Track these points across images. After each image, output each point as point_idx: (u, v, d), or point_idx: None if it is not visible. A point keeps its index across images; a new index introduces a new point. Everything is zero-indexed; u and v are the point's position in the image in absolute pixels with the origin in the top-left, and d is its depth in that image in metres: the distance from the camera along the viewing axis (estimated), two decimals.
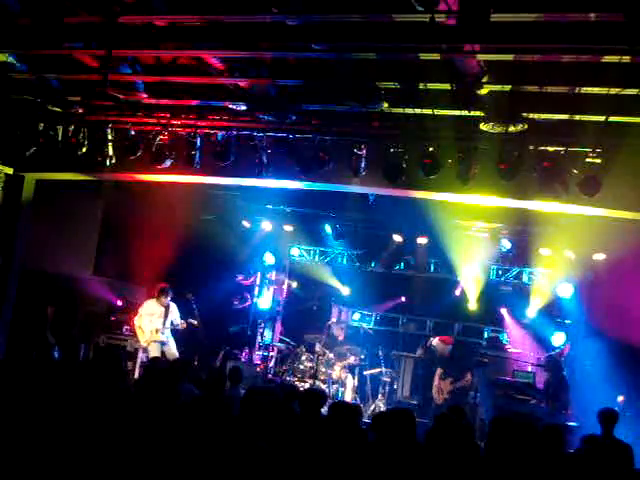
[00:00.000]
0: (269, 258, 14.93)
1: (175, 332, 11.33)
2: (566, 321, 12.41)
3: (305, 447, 4.92)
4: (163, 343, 10.95)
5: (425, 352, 12.76)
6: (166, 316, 11.03)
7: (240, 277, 14.66)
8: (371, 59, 6.99)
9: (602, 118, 7.32)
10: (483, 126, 7.70)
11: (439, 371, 11.58)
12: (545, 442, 5.62)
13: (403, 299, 14.26)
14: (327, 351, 12.23)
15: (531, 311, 12.85)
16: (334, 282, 14.68)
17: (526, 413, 8.94)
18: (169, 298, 11.01)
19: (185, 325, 11.19)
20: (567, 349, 11.34)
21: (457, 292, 13.50)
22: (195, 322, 11.49)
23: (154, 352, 10.71)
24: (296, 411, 6.51)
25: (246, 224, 14.01)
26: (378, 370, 12.43)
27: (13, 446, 4.46)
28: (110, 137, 9.20)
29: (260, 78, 7.79)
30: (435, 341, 11.91)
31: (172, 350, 11.05)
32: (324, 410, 6.36)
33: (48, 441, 4.54)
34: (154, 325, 10.92)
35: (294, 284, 14.98)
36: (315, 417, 5.92)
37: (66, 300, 11.15)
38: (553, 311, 12.60)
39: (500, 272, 13.58)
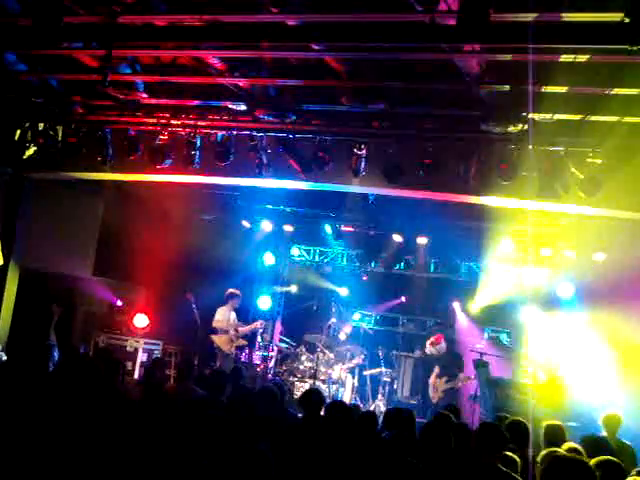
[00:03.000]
0: (269, 258, 14.93)
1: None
2: (566, 321, 12.39)
3: (305, 448, 4.93)
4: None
5: (425, 355, 12.79)
6: (235, 321, 11.57)
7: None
8: (371, 59, 7.00)
9: (603, 118, 7.33)
10: (483, 126, 7.69)
11: (436, 370, 11.61)
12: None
13: (403, 299, 14.26)
14: (327, 351, 12.23)
15: (530, 311, 12.84)
16: (334, 282, 14.70)
17: (526, 413, 8.92)
18: (238, 301, 11.50)
19: (262, 323, 11.77)
20: (562, 350, 11.32)
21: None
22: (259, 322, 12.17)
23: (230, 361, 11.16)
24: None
25: (246, 224, 14.01)
26: (378, 370, 12.44)
27: (12, 449, 4.46)
28: (110, 137, 9.20)
29: (260, 78, 7.79)
30: (428, 348, 11.94)
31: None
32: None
33: (48, 444, 4.54)
34: (232, 333, 11.37)
35: (293, 285, 14.98)
36: (315, 417, 5.92)
37: (66, 300, 11.15)
38: (552, 311, 12.58)
39: (500, 272, 13.57)
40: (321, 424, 5.60)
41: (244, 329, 11.82)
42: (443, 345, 11.81)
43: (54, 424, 4.80)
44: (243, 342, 11.83)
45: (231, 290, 11.69)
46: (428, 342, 12.02)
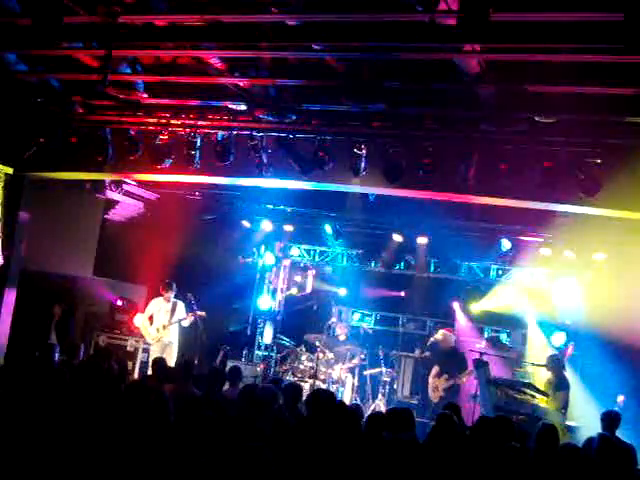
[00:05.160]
0: (269, 258, 14.93)
1: (181, 332, 11.28)
2: (566, 321, 12.40)
3: (305, 448, 4.93)
4: (168, 342, 10.98)
5: (429, 349, 12.79)
6: (172, 314, 11.11)
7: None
8: (371, 59, 7.00)
9: (602, 118, 7.32)
10: (482, 126, 7.69)
11: (434, 371, 11.60)
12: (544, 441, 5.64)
13: (403, 294, 14.26)
14: (327, 351, 12.23)
15: (531, 311, 12.86)
16: (333, 282, 14.72)
17: (526, 413, 8.93)
18: (173, 293, 11.13)
19: (192, 318, 11.21)
20: (571, 349, 11.33)
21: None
22: (202, 313, 11.41)
23: (157, 352, 10.73)
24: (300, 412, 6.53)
25: (246, 224, 14.02)
26: (378, 370, 12.43)
27: (13, 448, 4.47)
28: (110, 137, 9.20)
29: (260, 78, 7.80)
30: (440, 333, 11.92)
31: (173, 352, 11.06)
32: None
33: (48, 443, 4.54)
34: (160, 322, 10.99)
35: (294, 286, 14.98)
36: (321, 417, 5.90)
37: (66, 300, 11.14)
38: (553, 311, 12.59)
39: (500, 272, 13.60)
40: (329, 425, 5.58)
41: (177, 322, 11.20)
42: (454, 337, 11.84)
43: (56, 423, 4.80)
44: (160, 335, 10.98)
45: (166, 280, 11.26)
46: (442, 330, 12.04)
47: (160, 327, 10.99)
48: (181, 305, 11.27)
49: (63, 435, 4.63)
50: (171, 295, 11.14)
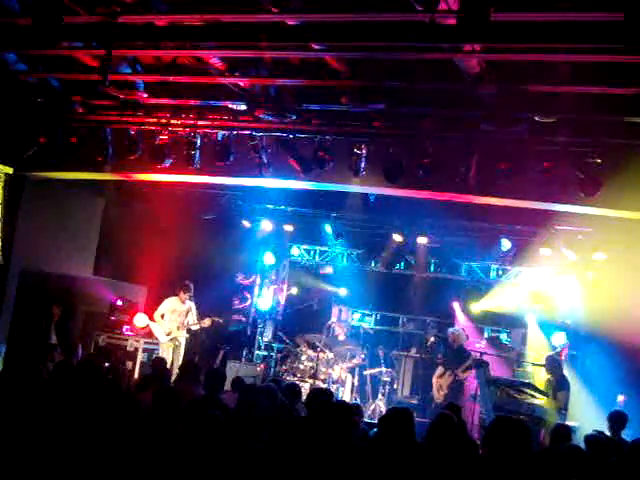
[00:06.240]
0: (269, 258, 14.93)
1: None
2: (566, 321, 12.40)
3: (303, 447, 4.92)
4: (178, 343, 10.99)
5: (428, 350, 12.78)
6: (186, 315, 11.14)
7: (240, 277, 14.66)
8: (371, 59, 7.00)
9: (602, 118, 7.33)
10: (482, 126, 7.69)
11: (439, 371, 11.59)
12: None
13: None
14: (327, 351, 12.23)
15: (531, 311, 12.86)
16: (334, 282, 14.72)
17: (526, 413, 8.93)
18: (190, 295, 11.12)
19: (209, 323, 11.21)
20: (566, 349, 11.33)
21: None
22: (221, 320, 11.50)
23: (166, 353, 10.75)
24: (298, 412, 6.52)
25: (246, 224, 14.02)
26: (378, 370, 12.44)
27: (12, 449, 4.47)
28: (110, 137, 9.20)
29: (260, 78, 7.80)
30: (452, 330, 11.89)
31: (180, 354, 11.08)
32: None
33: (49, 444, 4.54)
34: (175, 323, 10.98)
35: (293, 286, 14.98)
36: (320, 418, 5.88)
37: (66, 300, 11.14)
38: (553, 311, 12.59)
39: (500, 272, 13.60)
40: (326, 425, 5.56)
41: (188, 325, 11.23)
42: (465, 337, 11.83)
43: (55, 424, 4.80)
44: (175, 334, 10.96)
45: (184, 282, 11.22)
46: (455, 327, 12.05)
47: (174, 328, 10.99)
48: (194, 308, 11.30)
49: (63, 435, 4.63)
50: (187, 297, 11.13)
